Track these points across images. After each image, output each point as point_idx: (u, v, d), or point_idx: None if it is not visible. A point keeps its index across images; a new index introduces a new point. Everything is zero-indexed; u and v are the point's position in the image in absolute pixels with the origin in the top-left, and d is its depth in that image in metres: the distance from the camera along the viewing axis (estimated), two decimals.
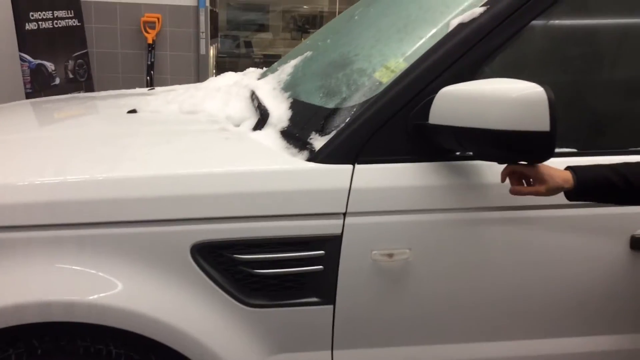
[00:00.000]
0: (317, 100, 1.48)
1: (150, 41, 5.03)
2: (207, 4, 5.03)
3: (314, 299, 1.30)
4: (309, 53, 1.81)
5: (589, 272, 1.37)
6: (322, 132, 1.35)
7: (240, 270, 1.27)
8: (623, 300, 1.40)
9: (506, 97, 1.14)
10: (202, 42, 5.00)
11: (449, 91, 1.24)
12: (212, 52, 5.66)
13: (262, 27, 8.75)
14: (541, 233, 1.34)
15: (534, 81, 1.16)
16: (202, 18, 4.96)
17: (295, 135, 1.40)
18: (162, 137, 1.45)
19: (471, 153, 1.28)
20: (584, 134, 1.42)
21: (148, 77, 5.01)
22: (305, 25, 8.57)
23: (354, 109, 1.34)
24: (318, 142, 1.33)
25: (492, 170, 1.32)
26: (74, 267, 1.22)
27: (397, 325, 1.35)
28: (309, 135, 1.36)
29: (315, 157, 1.31)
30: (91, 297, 1.20)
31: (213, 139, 1.45)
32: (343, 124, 1.32)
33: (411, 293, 1.33)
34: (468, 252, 1.32)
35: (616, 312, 1.41)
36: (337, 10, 7.67)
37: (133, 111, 1.74)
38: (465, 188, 1.31)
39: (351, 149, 1.30)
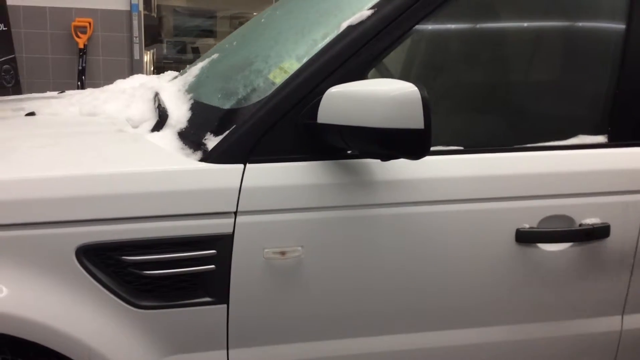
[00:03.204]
0: (215, 101, 1.49)
1: (81, 46, 4.93)
2: (141, 8, 4.96)
3: (207, 299, 1.30)
4: (215, 55, 1.82)
5: (478, 266, 1.42)
6: (216, 132, 1.36)
7: (130, 272, 1.26)
8: (511, 293, 1.46)
9: (384, 97, 1.17)
10: (136, 47, 4.93)
11: (335, 91, 1.27)
12: (148, 57, 5.59)
13: (209, 33, 8.70)
14: (430, 228, 1.38)
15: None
16: (135, 22, 4.89)
17: (191, 136, 1.41)
18: (52, 139, 1.42)
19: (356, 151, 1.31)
20: (471, 132, 1.48)
21: (79, 83, 4.90)
22: None
23: (247, 109, 1.36)
24: (212, 142, 1.34)
25: (380, 168, 1.36)
26: None
27: (291, 322, 1.36)
28: (204, 136, 1.37)
29: (207, 157, 1.31)
30: None
31: (106, 140, 1.44)
32: (235, 124, 1.34)
33: (304, 290, 1.35)
34: (359, 249, 1.35)
35: (505, 304, 1.46)
36: None
37: (31, 114, 1.70)
38: (355, 185, 1.34)
39: (242, 148, 1.31)
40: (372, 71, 1.44)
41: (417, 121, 1.16)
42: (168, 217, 1.26)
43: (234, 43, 1.83)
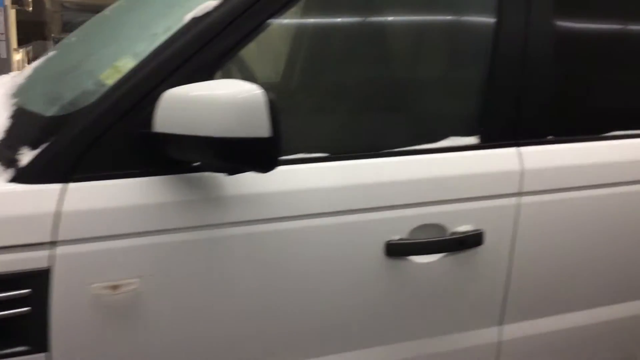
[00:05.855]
0: (38, 107, 1.25)
1: None
2: (7, 2, 4.50)
3: (22, 348, 1.08)
4: (52, 53, 1.57)
5: (346, 285, 1.29)
6: (33, 145, 1.13)
7: None
8: (384, 312, 1.34)
9: (222, 101, 1.01)
10: (2, 45, 4.46)
11: (172, 94, 1.09)
12: (21, 55, 5.11)
13: None
14: (289, 246, 1.23)
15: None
16: (0, 18, 4.43)
17: (4, 151, 1.17)
18: None
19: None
20: (335, 136, 1.34)
21: None
22: None
23: (72, 117, 1.14)
24: (27, 157, 1.11)
25: (230, 182, 1.19)
26: None
27: None
28: (19, 150, 1.14)
29: (19, 176, 1.09)
30: None
31: None
32: (56, 135, 1.12)
33: (144, 328, 1.15)
34: (209, 274, 1.18)
35: (377, 324, 1.34)
36: None
37: None
38: (201, 203, 1.16)
39: (63, 164, 1.10)
40: (235, 71, 1.28)
41: (261, 129, 1.00)
42: None
43: (73, 39, 1.59)
